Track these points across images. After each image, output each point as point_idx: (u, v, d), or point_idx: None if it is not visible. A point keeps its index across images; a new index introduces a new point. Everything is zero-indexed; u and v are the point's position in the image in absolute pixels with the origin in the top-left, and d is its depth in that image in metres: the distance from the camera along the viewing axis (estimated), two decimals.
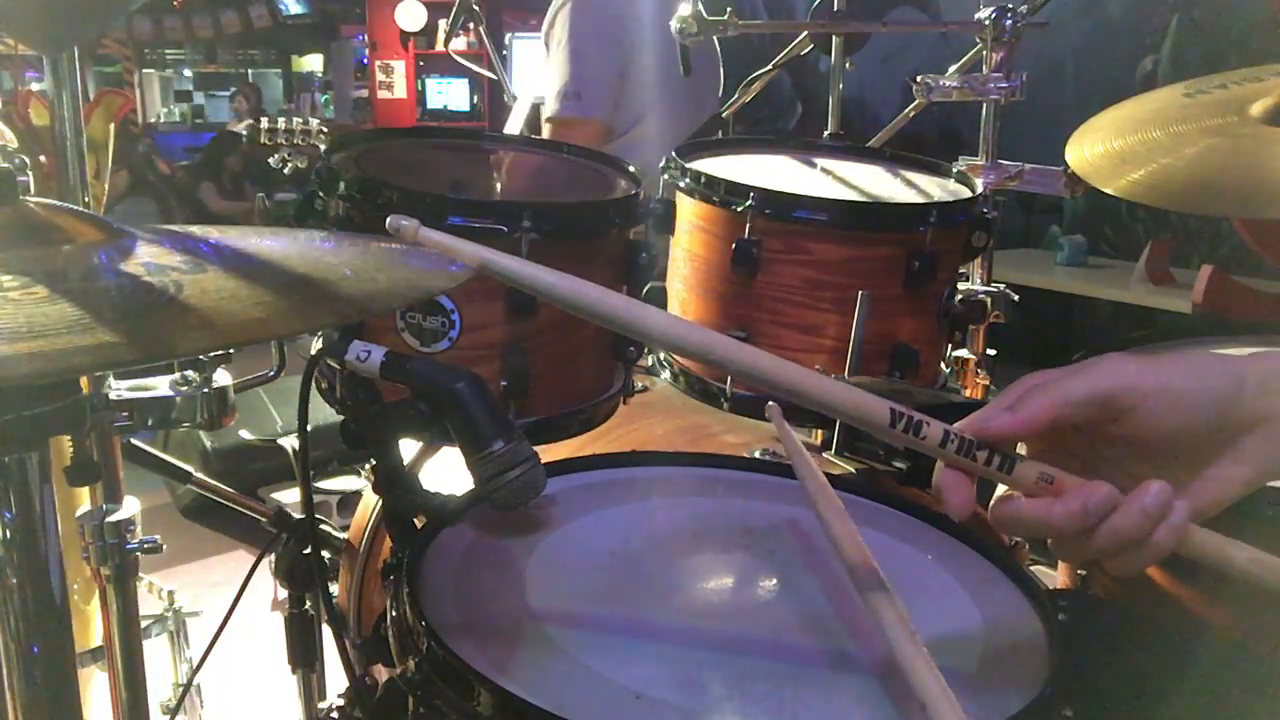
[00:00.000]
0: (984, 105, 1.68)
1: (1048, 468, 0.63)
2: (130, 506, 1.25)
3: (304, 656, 1.34)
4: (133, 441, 1.39)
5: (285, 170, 2.03)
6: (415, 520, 0.95)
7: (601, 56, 2.39)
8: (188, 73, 11.45)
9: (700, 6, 1.79)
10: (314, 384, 1.04)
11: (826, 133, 1.85)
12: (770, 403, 0.99)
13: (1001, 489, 0.65)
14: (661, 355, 1.44)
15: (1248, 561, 0.65)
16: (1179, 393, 0.61)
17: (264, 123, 2.13)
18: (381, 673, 1.15)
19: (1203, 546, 0.64)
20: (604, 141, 2.44)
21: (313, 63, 11.30)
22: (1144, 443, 0.63)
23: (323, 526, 1.59)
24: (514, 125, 2.64)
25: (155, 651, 1.43)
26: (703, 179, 1.32)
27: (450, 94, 9.03)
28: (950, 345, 1.47)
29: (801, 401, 0.63)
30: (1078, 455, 0.66)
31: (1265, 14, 3.81)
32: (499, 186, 1.45)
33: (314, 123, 2.12)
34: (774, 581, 0.89)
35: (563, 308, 0.65)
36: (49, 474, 0.87)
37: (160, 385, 1.07)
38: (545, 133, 2.48)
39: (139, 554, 1.23)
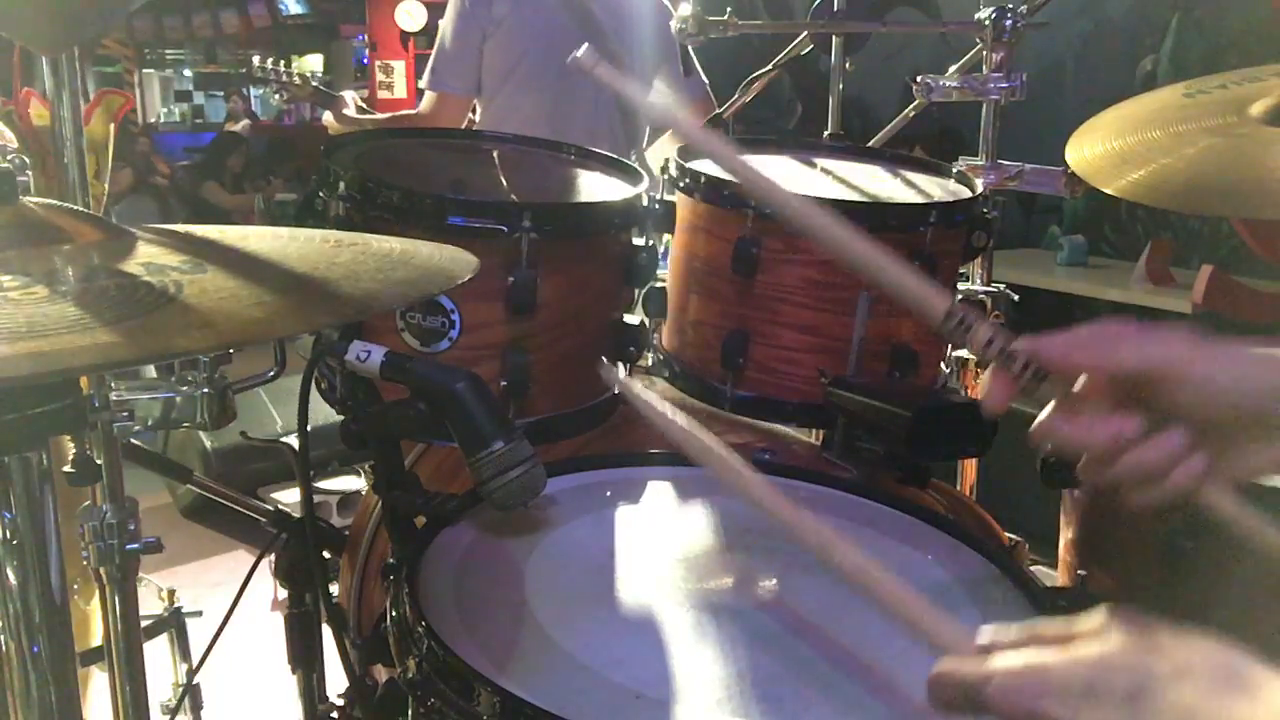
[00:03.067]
0: (984, 105, 1.68)
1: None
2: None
3: (304, 656, 1.34)
4: (133, 441, 1.38)
5: (276, 98, 2.72)
6: (415, 520, 0.95)
7: (457, 36, 2.55)
8: (188, 73, 11.44)
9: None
10: (314, 384, 1.04)
11: (826, 133, 1.85)
12: None
13: (1047, 411, 0.70)
14: (661, 355, 1.44)
15: (1260, 526, 0.70)
16: (1221, 388, 0.65)
17: (255, 60, 3.02)
18: (381, 673, 1.15)
19: (1219, 502, 0.69)
20: (463, 113, 2.62)
21: (313, 63, 11.29)
22: (1181, 417, 0.66)
23: (323, 526, 1.59)
24: None
25: (155, 651, 1.43)
26: (703, 179, 1.31)
27: None
28: (950, 345, 1.47)
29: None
30: (1123, 403, 0.70)
31: (1265, 14, 3.80)
32: (499, 186, 1.45)
33: (295, 67, 3.07)
34: (773, 582, 0.89)
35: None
36: (49, 474, 0.87)
37: (161, 385, 1.07)
38: None
39: (139, 554, 1.23)
